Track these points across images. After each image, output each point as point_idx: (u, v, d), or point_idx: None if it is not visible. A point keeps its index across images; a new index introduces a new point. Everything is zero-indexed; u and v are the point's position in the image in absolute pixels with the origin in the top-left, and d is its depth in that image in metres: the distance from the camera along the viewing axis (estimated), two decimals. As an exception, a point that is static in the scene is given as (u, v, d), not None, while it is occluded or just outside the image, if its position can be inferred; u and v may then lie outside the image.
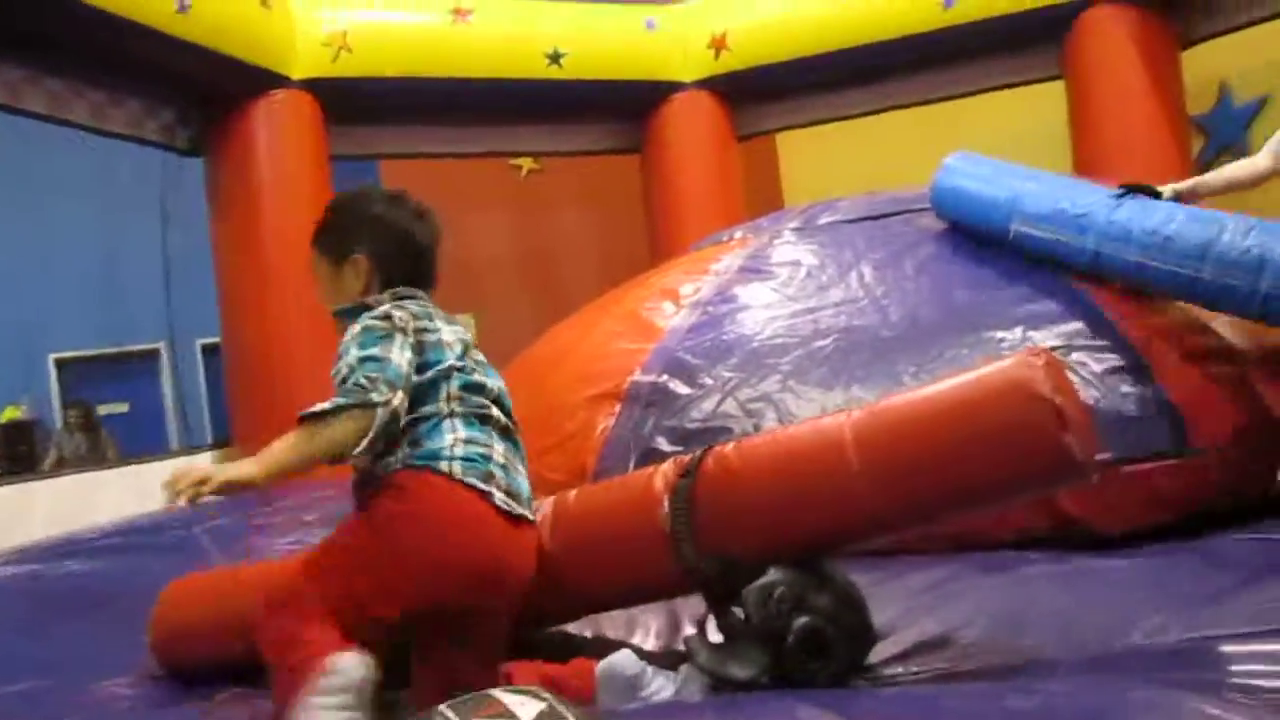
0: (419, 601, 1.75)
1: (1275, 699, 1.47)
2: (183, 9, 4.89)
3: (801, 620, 1.74)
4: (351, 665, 1.63)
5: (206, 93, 5.58)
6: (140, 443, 8.81)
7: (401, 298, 1.95)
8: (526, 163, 8.05)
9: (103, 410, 8.88)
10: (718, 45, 6.55)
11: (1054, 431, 1.65)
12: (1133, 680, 1.56)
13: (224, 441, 6.08)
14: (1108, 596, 2.02)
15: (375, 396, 1.72)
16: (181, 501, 1.66)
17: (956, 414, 1.75)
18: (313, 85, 5.75)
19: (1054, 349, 2.68)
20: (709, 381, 2.96)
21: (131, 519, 4.10)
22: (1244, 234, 2.53)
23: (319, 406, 1.72)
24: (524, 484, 1.91)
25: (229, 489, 1.67)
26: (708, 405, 2.89)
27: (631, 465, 2.75)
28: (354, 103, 5.95)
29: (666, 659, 1.89)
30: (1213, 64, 6.59)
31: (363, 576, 1.74)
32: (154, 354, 9.86)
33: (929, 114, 6.91)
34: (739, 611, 1.78)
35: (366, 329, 1.83)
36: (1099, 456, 1.79)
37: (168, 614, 2.26)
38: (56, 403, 9.35)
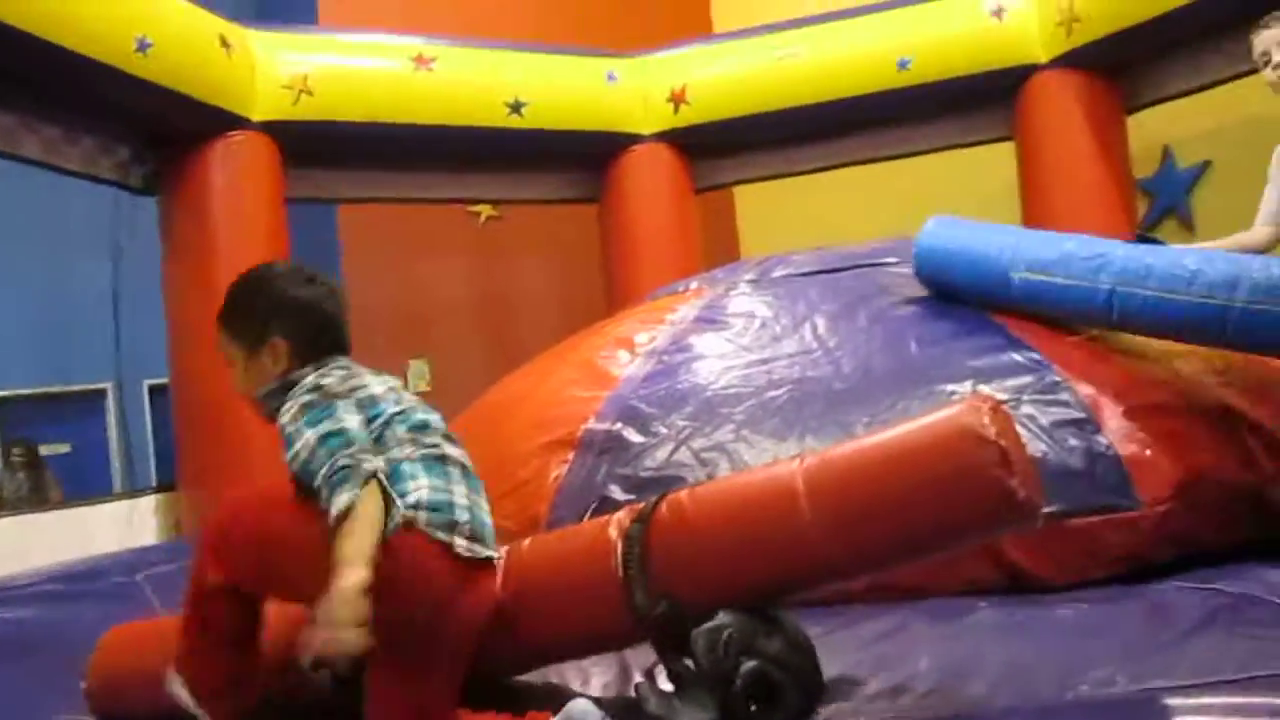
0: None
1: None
2: (142, 48, 4.87)
3: (749, 665, 1.73)
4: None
5: (164, 132, 5.53)
6: (82, 484, 8.60)
7: (324, 366, 1.93)
8: (485, 210, 8.06)
9: (44, 450, 8.68)
10: (677, 99, 6.64)
11: (998, 473, 1.69)
12: None
13: (169, 485, 5.96)
14: (1055, 646, 2.04)
15: (368, 466, 1.73)
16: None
17: (904, 459, 1.78)
18: (272, 128, 5.73)
19: (1003, 402, 2.72)
20: (663, 430, 2.97)
21: (70, 564, 4.00)
22: (1277, 264, 2.51)
23: (336, 509, 1.69)
24: (488, 520, 1.90)
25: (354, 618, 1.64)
26: (661, 454, 2.89)
27: (586, 513, 2.74)
28: (313, 146, 5.94)
29: (617, 709, 1.87)
30: (1157, 129, 6.79)
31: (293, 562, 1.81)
32: (99, 394, 9.67)
33: (884, 171, 7.05)
34: (688, 660, 1.77)
35: (305, 405, 1.82)
36: (1046, 509, 1.82)
37: (106, 661, 2.21)
38: (-3, 443, 9.12)
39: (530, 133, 6.33)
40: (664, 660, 1.83)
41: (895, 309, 3.36)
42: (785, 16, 6.78)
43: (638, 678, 2.00)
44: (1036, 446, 2.58)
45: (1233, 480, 2.61)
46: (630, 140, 6.70)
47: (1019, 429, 2.61)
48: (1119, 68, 6.05)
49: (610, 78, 6.65)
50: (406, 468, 1.80)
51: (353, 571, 1.63)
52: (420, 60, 6.11)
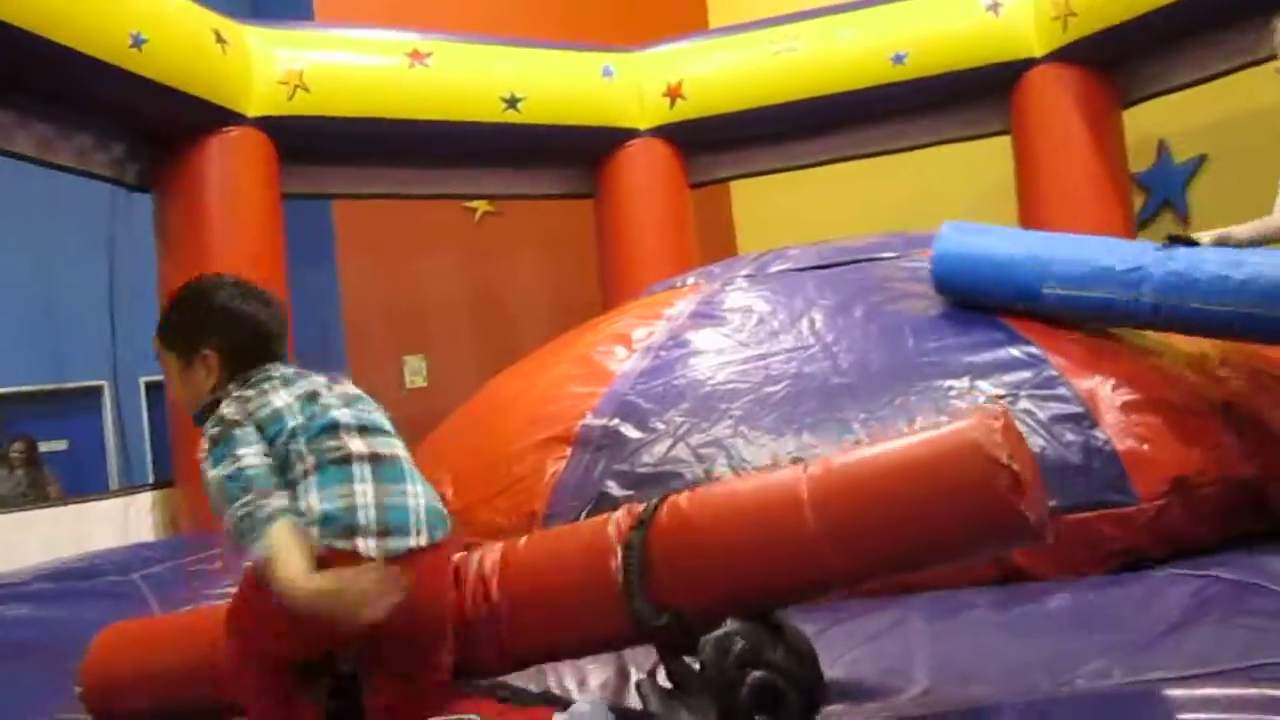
0: (303, 651, 1.83)
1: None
2: (137, 44, 4.85)
3: (756, 675, 1.73)
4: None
5: (159, 128, 5.52)
6: (79, 481, 8.60)
7: (248, 380, 1.93)
8: (481, 206, 8.05)
9: (42, 447, 8.66)
10: (673, 94, 6.63)
11: (1009, 497, 1.67)
12: None
13: (166, 482, 5.95)
14: (1051, 640, 2.04)
15: (263, 513, 1.75)
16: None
17: (913, 473, 1.77)
18: (267, 124, 5.71)
19: (1000, 397, 2.73)
20: (660, 426, 2.96)
21: (67, 561, 3.99)
22: None
23: (258, 558, 1.74)
24: (410, 506, 1.86)
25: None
26: (659, 450, 2.89)
27: (582, 510, 2.74)
28: (308, 142, 5.92)
29: (617, 712, 1.87)
30: (1153, 123, 6.79)
31: (258, 628, 1.84)
32: (96, 390, 9.65)
33: (879, 165, 7.04)
34: (691, 661, 1.77)
35: (212, 440, 1.85)
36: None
37: (102, 659, 2.20)
38: (-7, 439, 9.10)
39: (526, 128, 6.32)
40: (665, 660, 1.83)
41: (892, 304, 3.36)
42: (781, 11, 6.77)
43: (636, 677, 2.00)
44: (1034, 441, 2.58)
45: (1231, 475, 2.60)
46: (626, 135, 6.69)
47: (1017, 424, 2.63)
48: (1115, 62, 6.05)
49: (606, 73, 6.64)
50: (302, 486, 1.81)
51: (299, 588, 1.70)
52: (415, 56, 6.10)
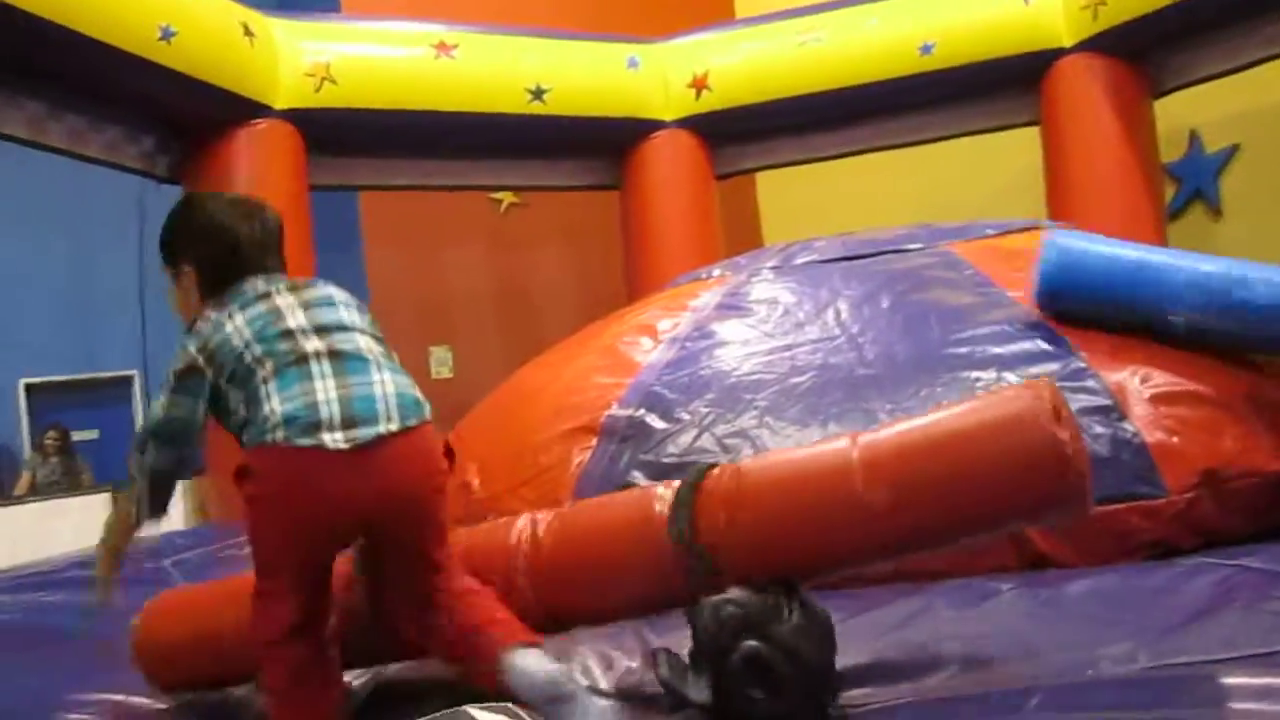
0: (297, 556, 1.84)
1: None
2: (166, 37, 4.90)
3: (749, 644, 1.71)
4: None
5: (187, 121, 5.57)
6: (110, 471, 8.70)
7: (221, 302, 1.95)
8: (506, 197, 8.08)
9: (74, 437, 8.78)
10: (699, 85, 6.62)
11: (1069, 461, 1.71)
12: (1106, 709, 1.58)
13: (195, 470, 6.01)
14: (1077, 625, 2.04)
15: (147, 460, 1.92)
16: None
17: (973, 438, 1.79)
18: (295, 116, 5.75)
19: (1028, 389, 2.71)
20: (685, 416, 2.97)
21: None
22: None
23: (119, 488, 1.94)
24: (376, 394, 1.85)
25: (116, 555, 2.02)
26: (684, 440, 2.89)
27: (607, 499, 2.75)
28: (336, 134, 5.96)
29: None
30: (1184, 113, 6.73)
31: (256, 549, 1.87)
32: (127, 380, 9.77)
33: (906, 156, 7.01)
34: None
35: (171, 367, 1.94)
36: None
37: (154, 625, 2.23)
38: (25, 429, 9.23)
39: (551, 119, 6.33)
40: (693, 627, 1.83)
41: (918, 295, 3.34)
42: (807, 1, 6.75)
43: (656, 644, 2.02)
44: (1061, 433, 2.57)
45: (1261, 469, 2.58)
46: (652, 126, 6.69)
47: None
48: (1145, 52, 5.99)
49: (632, 64, 6.64)
50: (262, 392, 1.82)
51: (109, 532, 2.01)
52: (442, 47, 6.12)
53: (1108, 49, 5.96)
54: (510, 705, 1.49)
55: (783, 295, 3.54)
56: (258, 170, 5.63)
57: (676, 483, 1.96)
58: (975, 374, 2.83)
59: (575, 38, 6.64)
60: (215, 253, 1.98)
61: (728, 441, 2.84)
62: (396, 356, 2.00)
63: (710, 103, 6.62)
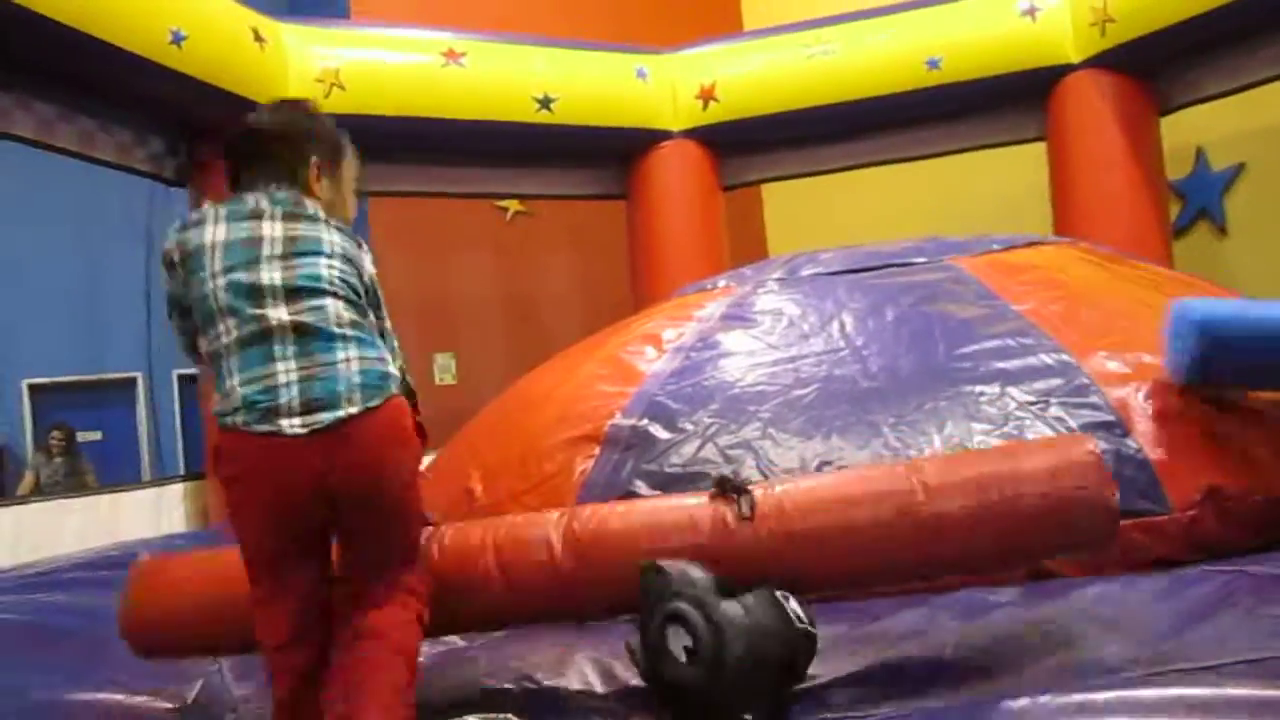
0: (269, 539, 1.84)
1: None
2: (177, 41, 4.92)
3: (673, 604, 1.75)
4: None
5: (197, 124, 5.59)
6: (113, 472, 8.71)
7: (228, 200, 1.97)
8: (513, 205, 8.09)
9: (78, 437, 8.78)
10: (706, 96, 6.64)
11: (1113, 509, 1.94)
12: (1106, 715, 1.61)
13: (197, 474, 6.02)
14: (1077, 631, 2.05)
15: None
16: None
17: (1033, 480, 1.95)
18: (303, 121, 5.77)
19: (1031, 404, 2.72)
20: (689, 427, 2.97)
21: (102, 550, 4.05)
22: None
23: None
24: (339, 376, 1.81)
25: None
26: (687, 450, 2.90)
27: (609, 508, 2.74)
28: (343, 139, 5.98)
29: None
30: (1190, 131, 6.73)
31: (235, 532, 1.88)
32: (130, 383, 9.77)
33: (912, 170, 7.02)
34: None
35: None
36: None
37: (147, 589, 2.22)
38: (29, 429, 9.24)
39: (559, 128, 6.35)
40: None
41: (923, 308, 3.34)
42: (815, 14, 6.76)
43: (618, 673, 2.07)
44: (1064, 449, 2.57)
45: (1263, 486, 2.58)
46: (659, 136, 6.70)
47: (1046, 430, 2.62)
48: (1153, 69, 6.00)
49: (640, 74, 6.66)
50: (225, 364, 1.82)
51: None
52: (451, 55, 6.14)
53: (1115, 66, 5.97)
54: (510, 716, 1.50)
55: (788, 307, 3.54)
56: (265, 175, 5.64)
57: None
58: (979, 388, 2.83)
59: (584, 47, 6.66)
60: (235, 149, 1.99)
61: (731, 452, 2.84)
62: (374, 317, 1.96)
63: (718, 114, 6.63)
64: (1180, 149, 6.80)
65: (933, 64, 6.22)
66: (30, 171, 7.58)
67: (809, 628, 1.84)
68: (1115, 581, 2.32)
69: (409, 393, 1.97)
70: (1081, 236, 4.77)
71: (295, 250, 1.88)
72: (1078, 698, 1.69)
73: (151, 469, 9.62)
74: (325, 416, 1.78)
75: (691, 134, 6.71)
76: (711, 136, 6.71)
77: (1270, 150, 6.69)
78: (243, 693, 2.22)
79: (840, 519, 1.96)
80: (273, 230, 1.89)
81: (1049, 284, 3.40)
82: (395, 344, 2.01)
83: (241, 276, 1.83)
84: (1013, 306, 3.23)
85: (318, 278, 1.86)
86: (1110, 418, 2.66)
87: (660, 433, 2.98)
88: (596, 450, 3.03)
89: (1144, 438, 2.60)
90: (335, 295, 1.87)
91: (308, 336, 1.82)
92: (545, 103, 6.28)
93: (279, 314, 1.82)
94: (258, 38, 5.51)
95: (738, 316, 3.59)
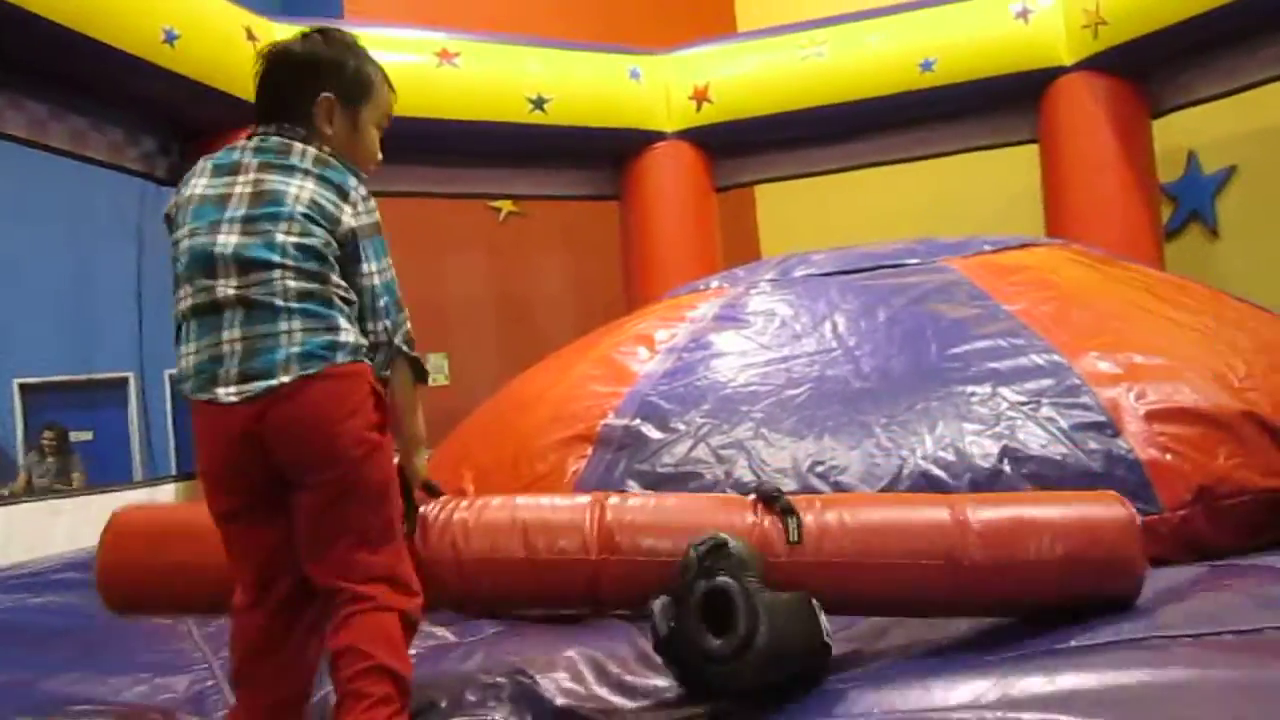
0: (218, 500, 1.86)
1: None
2: (169, 40, 4.91)
3: (720, 580, 1.77)
4: None
5: (189, 123, 5.58)
6: (103, 472, 8.69)
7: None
8: (506, 206, 8.09)
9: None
10: (700, 97, 6.65)
11: (1141, 576, 2.03)
12: (1090, 670, 1.69)
13: (187, 475, 6.01)
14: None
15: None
16: None
17: (1068, 532, 2.01)
18: (296, 120, 5.76)
19: (1023, 404, 2.73)
20: (681, 427, 2.97)
21: (91, 550, 4.03)
22: None
23: None
24: (279, 345, 1.78)
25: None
26: (680, 450, 2.90)
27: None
28: (336, 139, 5.97)
29: None
30: (1182, 134, 6.76)
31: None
32: (122, 382, 9.75)
33: (905, 172, 7.03)
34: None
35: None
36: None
37: (118, 547, 2.22)
38: (20, 429, 9.21)
39: (552, 129, 6.35)
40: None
41: (915, 309, 3.35)
42: (809, 16, 6.77)
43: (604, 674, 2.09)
44: (1056, 449, 2.58)
45: (1254, 487, 2.59)
46: (652, 138, 6.71)
47: (1039, 431, 2.63)
48: (1145, 71, 6.02)
49: (633, 74, 6.66)
50: (183, 330, 1.84)
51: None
52: (444, 55, 6.14)
53: (1108, 68, 5.99)
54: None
55: (780, 308, 3.55)
56: (258, 174, 5.63)
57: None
58: (971, 388, 2.84)
59: (577, 48, 6.66)
60: (260, 86, 2.02)
61: (723, 452, 2.84)
62: (346, 273, 1.90)
63: (711, 115, 6.64)
64: (1172, 151, 6.83)
65: (926, 66, 6.24)
66: (22, 171, 7.56)
67: (829, 642, 1.88)
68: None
69: (399, 355, 1.96)
70: (1073, 238, 4.79)
71: (256, 213, 1.84)
72: (1063, 655, 1.78)
73: (143, 469, 9.60)
74: (258, 385, 1.77)
75: (685, 135, 6.71)
76: (705, 138, 6.71)
77: (1262, 153, 6.72)
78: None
79: (880, 560, 1.99)
80: (244, 187, 1.86)
81: (1040, 285, 3.41)
82: (383, 301, 1.97)
83: (201, 241, 1.83)
84: (1004, 307, 3.24)
85: (270, 246, 1.81)
86: (1101, 418, 2.67)
87: (653, 433, 2.99)
88: (589, 450, 3.03)
89: (1134, 438, 2.61)
90: (284, 267, 1.81)
91: (255, 310, 1.80)
92: (539, 103, 6.28)
93: (228, 288, 1.80)
94: (251, 37, 5.50)
95: (730, 317, 3.59)
